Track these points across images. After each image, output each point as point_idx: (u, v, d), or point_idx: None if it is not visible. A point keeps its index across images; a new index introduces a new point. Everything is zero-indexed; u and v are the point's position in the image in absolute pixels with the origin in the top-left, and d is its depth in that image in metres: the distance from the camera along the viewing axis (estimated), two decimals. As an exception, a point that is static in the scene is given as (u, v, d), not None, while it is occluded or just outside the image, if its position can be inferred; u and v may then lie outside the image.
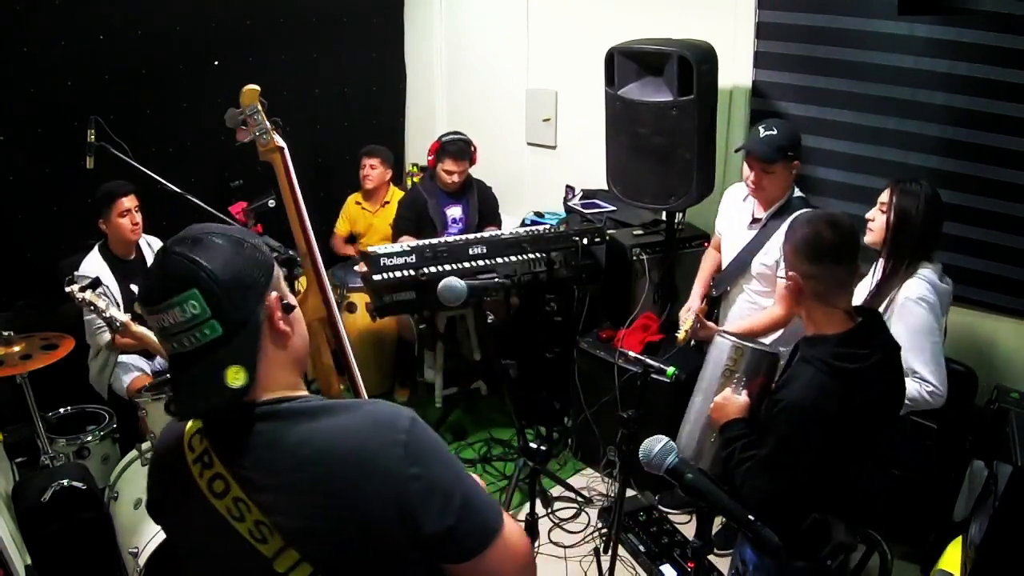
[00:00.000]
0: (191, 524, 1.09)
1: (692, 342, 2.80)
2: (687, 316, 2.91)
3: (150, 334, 1.93)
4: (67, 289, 2.03)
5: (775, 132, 2.64)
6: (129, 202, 3.14)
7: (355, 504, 0.98)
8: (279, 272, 1.10)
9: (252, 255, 1.04)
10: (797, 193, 2.80)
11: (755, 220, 2.82)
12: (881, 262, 2.41)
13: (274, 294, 1.06)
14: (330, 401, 1.08)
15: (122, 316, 1.97)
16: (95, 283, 2.18)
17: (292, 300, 1.10)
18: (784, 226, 2.69)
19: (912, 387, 2.21)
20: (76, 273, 3.12)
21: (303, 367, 1.14)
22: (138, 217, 3.17)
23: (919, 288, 2.25)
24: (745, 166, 2.74)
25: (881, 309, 2.30)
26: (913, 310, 2.24)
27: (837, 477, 1.79)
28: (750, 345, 2.05)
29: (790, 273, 1.79)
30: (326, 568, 1.00)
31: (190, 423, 1.09)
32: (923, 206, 2.28)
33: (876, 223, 2.39)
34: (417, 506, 0.99)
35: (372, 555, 1.00)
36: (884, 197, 2.37)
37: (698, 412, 2.13)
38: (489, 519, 1.05)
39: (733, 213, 2.95)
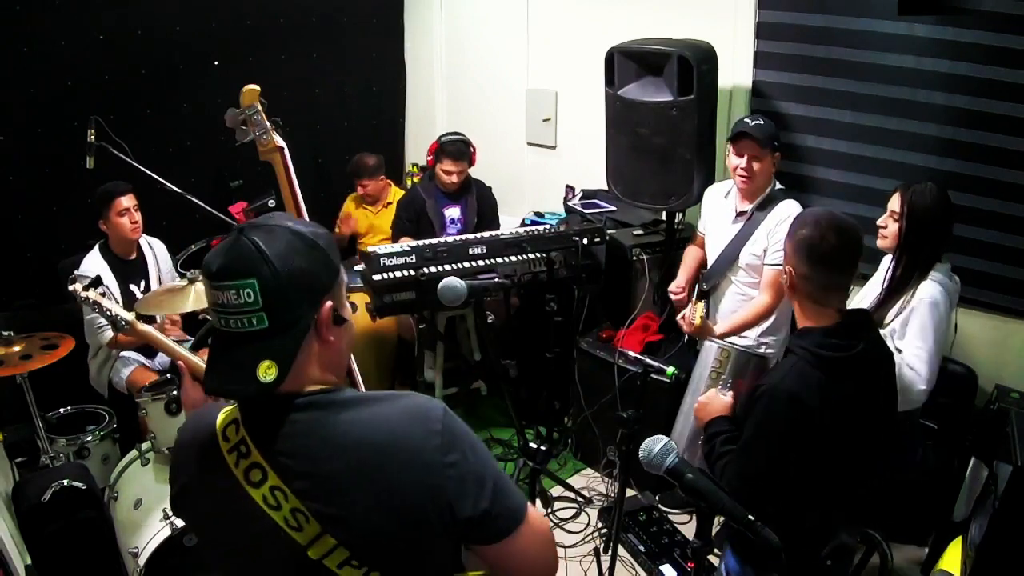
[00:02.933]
0: (224, 513, 1.10)
1: (685, 338, 2.82)
2: (678, 295, 2.97)
3: (155, 333, 1.91)
4: (70, 288, 2.02)
5: (762, 122, 2.70)
6: (128, 201, 3.14)
7: (393, 491, 1.03)
8: (343, 281, 1.12)
9: (320, 259, 1.07)
10: (778, 186, 2.84)
11: (740, 214, 2.85)
12: (890, 261, 2.42)
13: (328, 303, 1.07)
14: (367, 392, 1.13)
15: (127, 314, 1.95)
16: (96, 281, 2.18)
17: (347, 313, 1.12)
18: (769, 216, 2.74)
19: (905, 372, 2.23)
20: (77, 272, 3.13)
21: (343, 371, 1.17)
22: (137, 216, 3.17)
23: (933, 291, 2.27)
24: (732, 156, 2.75)
25: (894, 311, 2.30)
26: (928, 313, 2.26)
27: (830, 474, 1.77)
28: (735, 347, 2.07)
29: (787, 267, 1.78)
30: (361, 553, 1.03)
31: (222, 415, 1.10)
32: (936, 208, 2.29)
33: (888, 230, 2.40)
34: (453, 492, 1.04)
35: (407, 540, 1.05)
36: (894, 204, 2.37)
37: (687, 412, 2.16)
38: (518, 502, 1.11)
39: (716, 210, 2.98)
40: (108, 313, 1.93)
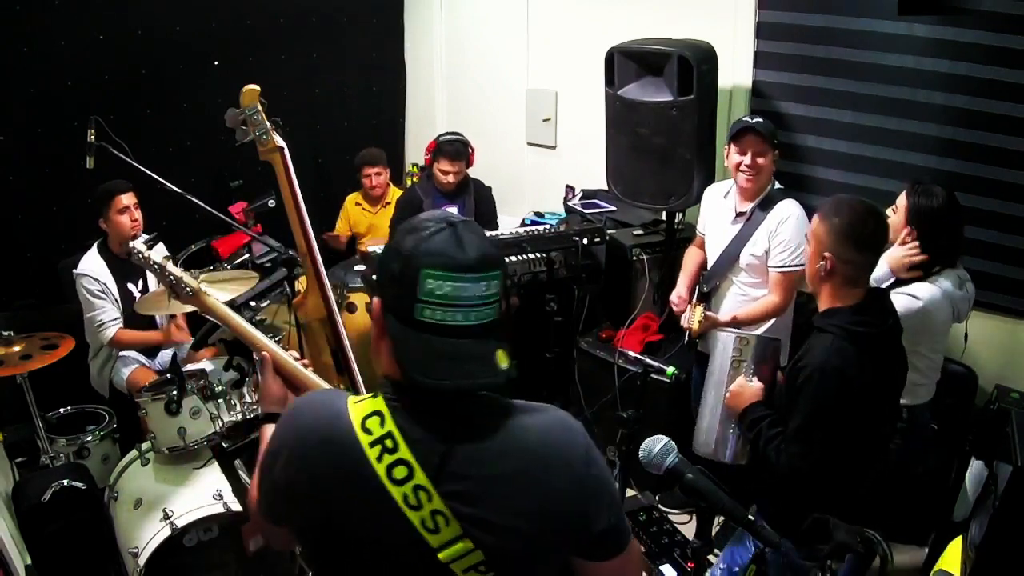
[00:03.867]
0: (351, 508, 1.05)
1: (686, 338, 2.82)
2: (679, 305, 2.94)
3: (221, 306, 1.73)
4: (131, 244, 1.83)
5: (763, 120, 2.69)
6: (127, 199, 3.14)
7: (542, 499, 1.04)
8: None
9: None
10: (777, 186, 2.83)
11: (739, 214, 2.84)
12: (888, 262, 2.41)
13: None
14: (518, 400, 1.12)
15: (194, 281, 1.73)
16: (155, 240, 2.02)
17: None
18: (769, 217, 2.73)
19: None
20: (75, 271, 3.13)
21: None
22: (137, 214, 3.17)
23: (923, 290, 2.25)
24: (734, 154, 2.71)
25: None
26: (908, 307, 2.22)
27: (868, 444, 1.88)
28: (754, 334, 2.09)
29: (827, 254, 1.83)
30: (498, 559, 1.04)
31: (357, 405, 1.06)
32: (942, 211, 2.28)
33: (889, 220, 2.37)
34: (592, 504, 1.07)
35: (544, 546, 1.07)
36: (901, 200, 2.35)
37: (712, 406, 2.17)
38: (627, 522, 1.15)
39: (715, 211, 2.97)
40: (171, 278, 1.74)
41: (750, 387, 2.04)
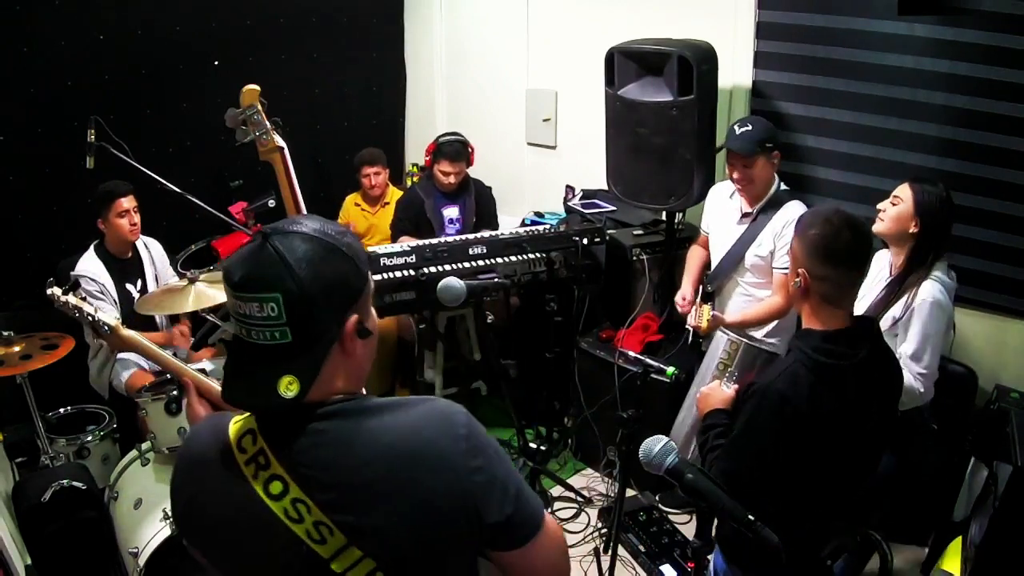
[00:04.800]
0: (240, 527, 1.05)
1: (691, 337, 2.82)
2: (685, 307, 2.94)
3: (141, 339, 1.82)
4: (48, 292, 1.93)
5: (750, 128, 2.70)
6: (128, 203, 3.14)
7: (421, 498, 1.00)
8: (370, 290, 1.08)
9: (347, 269, 1.03)
10: (783, 187, 2.83)
11: (745, 215, 2.85)
12: (890, 258, 2.42)
13: (354, 317, 1.03)
14: (387, 399, 1.09)
15: (111, 319, 1.82)
16: (75, 284, 2.10)
17: (372, 324, 1.08)
18: (775, 218, 2.73)
19: (911, 382, 2.23)
20: (73, 272, 3.13)
21: (364, 380, 1.14)
22: (136, 218, 3.18)
23: (934, 291, 2.26)
24: (728, 165, 2.78)
25: (899, 309, 2.30)
26: (932, 313, 2.25)
27: (823, 478, 1.73)
28: (745, 341, 2.07)
29: (800, 270, 1.69)
30: (389, 563, 1.01)
31: (235, 424, 1.06)
32: (947, 209, 2.30)
33: (887, 214, 2.36)
34: (480, 497, 1.03)
35: (434, 547, 1.03)
36: (901, 192, 2.35)
37: (690, 404, 2.16)
38: (537, 507, 1.10)
39: (720, 210, 2.98)
40: (88, 318, 1.83)
41: (721, 392, 1.93)
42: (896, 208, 2.34)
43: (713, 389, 1.96)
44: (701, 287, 2.94)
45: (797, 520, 1.72)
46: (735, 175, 2.76)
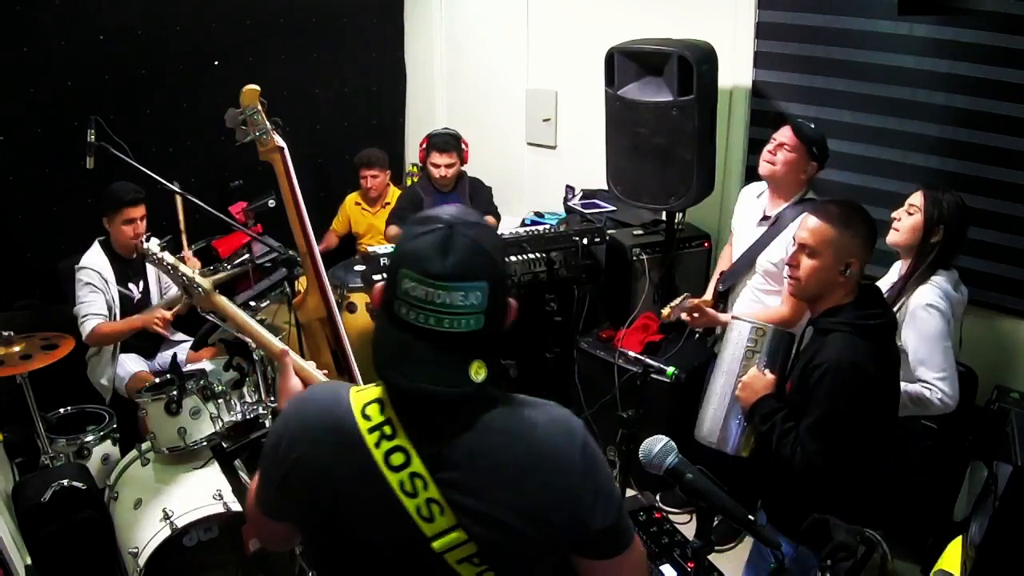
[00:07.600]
0: (349, 494, 1.05)
1: (688, 331, 2.79)
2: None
3: (233, 307, 1.73)
4: (144, 245, 1.82)
5: (813, 125, 2.68)
6: (136, 212, 3.13)
7: (538, 493, 1.04)
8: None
9: (506, 254, 1.10)
10: (810, 195, 2.75)
11: (765, 217, 2.80)
12: (899, 264, 2.41)
13: (514, 303, 1.08)
14: (518, 395, 1.12)
15: (204, 281, 1.74)
16: (167, 243, 2.05)
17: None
18: (792, 226, 2.69)
19: (924, 392, 2.22)
20: (77, 266, 3.12)
21: None
22: (142, 227, 3.15)
23: (930, 295, 2.25)
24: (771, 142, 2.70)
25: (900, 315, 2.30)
26: (924, 317, 2.23)
27: (885, 437, 1.92)
28: (771, 325, 2.08)
29: (850, 260, 1.85)
30: (488, 551, 1.03)
31: (358, 393, 1.08)
32: (961, 218, 2.29)
33: (903, 223, 2.36)
34: (589, 503, 1.07)
35: (536, 542, 1.06)
36: (915, 200, 2.34)
37: (720, 394, 2.14)
38: (630, 522, 1.15)
39: (746, 209, 2.93)
40: (183, 279, 1.75)
41: (763, 378, 2.00)
42: (913, 218, 2.32)
43: (755, 378, 2.02)
44: (714, 286, 2.92)
45: (878, 461, 1.92)
46: (769, 148, 2.68)
